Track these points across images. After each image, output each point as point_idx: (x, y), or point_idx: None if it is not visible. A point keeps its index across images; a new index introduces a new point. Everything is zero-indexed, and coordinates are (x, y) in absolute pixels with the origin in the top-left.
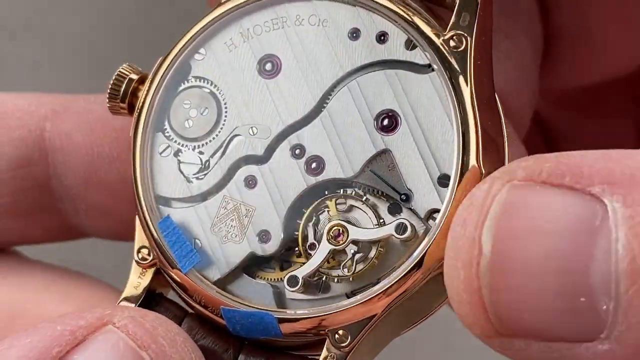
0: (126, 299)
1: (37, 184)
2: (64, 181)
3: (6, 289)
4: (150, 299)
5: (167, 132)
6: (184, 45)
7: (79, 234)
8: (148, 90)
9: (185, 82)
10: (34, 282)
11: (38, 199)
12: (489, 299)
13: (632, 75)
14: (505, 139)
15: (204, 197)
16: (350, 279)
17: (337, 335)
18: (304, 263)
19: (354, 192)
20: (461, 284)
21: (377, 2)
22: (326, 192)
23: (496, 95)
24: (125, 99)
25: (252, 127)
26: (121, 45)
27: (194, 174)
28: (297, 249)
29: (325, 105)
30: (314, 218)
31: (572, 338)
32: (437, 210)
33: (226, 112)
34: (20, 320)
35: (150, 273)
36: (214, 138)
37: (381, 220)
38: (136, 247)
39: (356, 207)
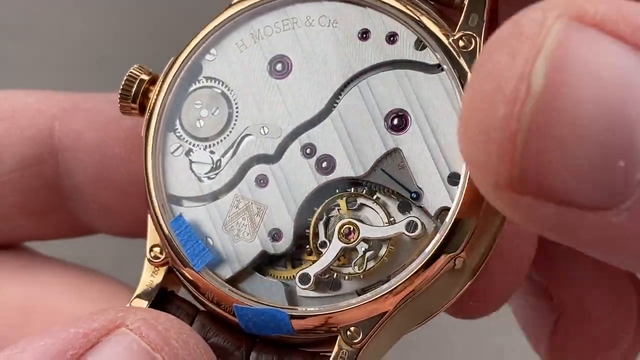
0: (139, 297)
1: (47, 182)
2: (74, 180)
3: (20, 285)
4: (162, 297)
5: (179, 132)
6: (195, 46)
7: (89, 232)
8: (159, 91)
9: (197, 82)
10: (47, 278)
11: (48, 197)
12: (522, 146)
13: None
14: None
15: (215, 196)
16: (361, 276)
17: (349, 332)
18: (315, 261)
19: (364, 191)
20: (497, 120)
21: (386, 3)
22: (337, 191)
23: None
24: (136, 100)
25: (263, 127)
26: (121, 45)
27: (205, 174)
28: (308, 247)
29: (335, 105)
30: (325, 216)
31: (588, 204)
32: (447, 209)
33: (237, 112)
34: (35, 315)
35: (162, 271)
36: (225, 138)
37: (391, 219)
38: (148, 246)
39: (367, 205)
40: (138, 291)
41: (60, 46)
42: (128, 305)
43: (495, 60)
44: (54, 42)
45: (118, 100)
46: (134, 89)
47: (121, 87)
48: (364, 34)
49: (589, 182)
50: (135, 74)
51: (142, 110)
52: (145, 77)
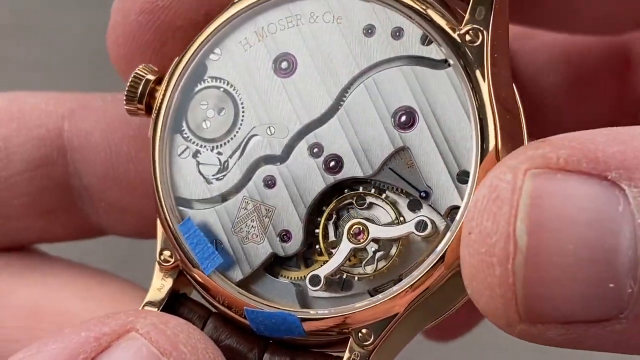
0: (150, 301)
1: (56, 183)
2: (83, 179)
3: (30, 287)
4: (174, 300)
5: (185, 134)
6: (199, 46)
7: (98, 232)
8: (165, 92)
9: (202, 82)
10: (56, 279)
11: (57, 198)
12: (522, 292)
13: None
14: (525, 133)
15: (223, 198)
16: (372, 276)
17: (360, 334)
18: (325, 262)
19: (373, 190)
20: (496, 279)
21: None
22: (345, 191)
23: (514, 88)
24: (142, 100)
25: (269, 127)
26: None
27: (213, 175)
28: (318, 247)
29: (342, 103)
30: (334, 217)
31: (591, 319)
32: (457, 207)
33: (243, 112)
34: (44, 317)
35: (173, 275)
36: (232, 138)
37: (401, 218)
38: (158, 249)
39: (376, 204)
40: (149, 296)
41: (60, 46)
42: (140, 308)
43: (482, 225)
44: (54, 42)
45: (124, 102)
46: (140, 90)
47: (127, 87)
48: (369, 30)
49: (588, 305)
50: (140, 74)
51: (148, 110)
52: (151, 77)
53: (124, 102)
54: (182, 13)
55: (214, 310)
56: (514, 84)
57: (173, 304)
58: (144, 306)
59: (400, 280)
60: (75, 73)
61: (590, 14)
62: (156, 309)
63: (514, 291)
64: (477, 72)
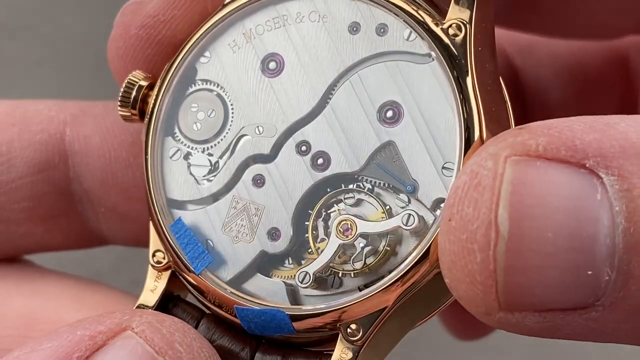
0: (143, 302)
1: (57, 187)
2: (83, 184)
3: (24, 297)
4: (167, 302)
5: (177, 136)
6: (189, 49)
7: (98, 241)
8: (157, 96)
9: (192, 85)
10: (49, 290)
11: (58, 203)
12: (502, 279)
13: (616, 48)
14: (513, 124)
15: (214, 198)
16: (362, 272)
17: (349, 330)
18: (314, 259)
19: (360, 186)
20: (477, 266)
21: None
22: (333, 187)
23: (501, 81)
24: (135, 106)
25: (258, 127)
26: None
27: (203, 176)
28: (308, 245)
29: (328, 100)
30: (323, 213)
31: (568, 307)
32: (443, 199)
33: (232, 112)
34: (37, 327)
35: (166, 276)
36: (222, 139)
37: (389, 213)
38: (151, 251)
39: (364, 200)
40: (142, 297)
41: (60, 46)
42: (134, 307)
43: (462, 212)
44: (54, 42)
45: (118, 108)
46: (133, 95)
47: (120, 93)
48: (354, 28)
49: (565, 292)
50: (134, 80)
51: (141, 115)
52: (144, 83)
53: (118, 108)
54: (182, 28)
55: (207, 311)
56: (500, 78)
57: (166, 305)
58: (137, 307)
59: (390, 274)
60: (75, 73)
61: (586, 18)
62: (150, 309)
63: (495, 278)
64: (461, 66)
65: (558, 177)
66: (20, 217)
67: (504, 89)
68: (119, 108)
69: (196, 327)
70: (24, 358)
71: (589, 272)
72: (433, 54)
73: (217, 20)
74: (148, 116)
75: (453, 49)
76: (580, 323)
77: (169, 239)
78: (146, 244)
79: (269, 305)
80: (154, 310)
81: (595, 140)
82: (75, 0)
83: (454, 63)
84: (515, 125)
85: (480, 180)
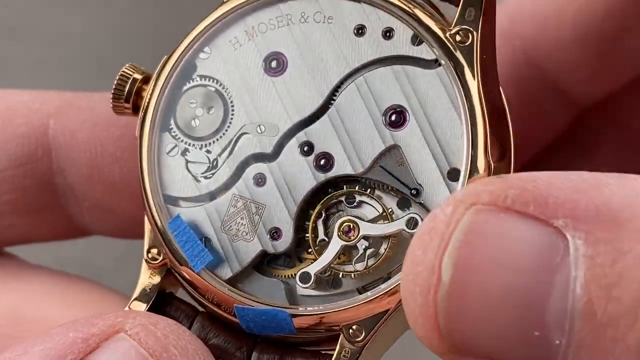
0: (137, 299)
1: (41, 181)
2: (68, 178)
3: (9, 293)
4: (160, 299)
5: (174, 132)
6: (188, 44)
7: (83, 232)
8: (153, 90)
9: (191, 81)
10: (35, 286)
11: (41, 196)
12: (444, 324)
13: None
14: (511, 132)
15: (213, 196)
16: (361, 274)
17: (351, 330)
18: (314, 259)
19: (363, 188)
20: (417, 308)
21: None
22: (336, 189)
23: (500, 88)
24: (129, 99)
25: (259, 125)
26: (121, 45)
27: (202, 173)
28: (308, 245)
29: (332, 102)
30: (324, 214)
31: None
32: None
33: (233, 110)
34: (23, 324)
35: (160, 273)
36: (221, 137)
37: (392, 215)
38: (146, 247)
39: (366, 202)
40: (136, 293)
41: (60, 46)
42: (127, 308)
43: (412, 255)
44: (54, 42)
45: (110, 100)
46: (126, 88)
47: (113, 86)
48: (360, 30)
49: (512, 348)
50: (127, 73)
51: (135, 109)
52: (138, 76)
53: (111, 101)
54: None
55: (201, 309)
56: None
57: (160, 302)
58: (131, 304)
59: (389, 277)
60: (75, 73)
61: None
62: (143, 305)
63: (437, 322)
64: (467, 72)
65: (519, 231)
66: (3, 210)
67: (503, 96)
68: (111, 100)
69: (190, 326)
70: None
71: (536, 333)
72: (440, 60)
73: (218, 17)
74: (143, 110)
75: (460, 56)
76: None
77: (166, 235)
78: (132, 237)
79: (269, 305)
80: (149, 307)
81: (570, 200)
82: (75, 0)
83: (461, 70)
84: (514, 133)
85: (435, 225)
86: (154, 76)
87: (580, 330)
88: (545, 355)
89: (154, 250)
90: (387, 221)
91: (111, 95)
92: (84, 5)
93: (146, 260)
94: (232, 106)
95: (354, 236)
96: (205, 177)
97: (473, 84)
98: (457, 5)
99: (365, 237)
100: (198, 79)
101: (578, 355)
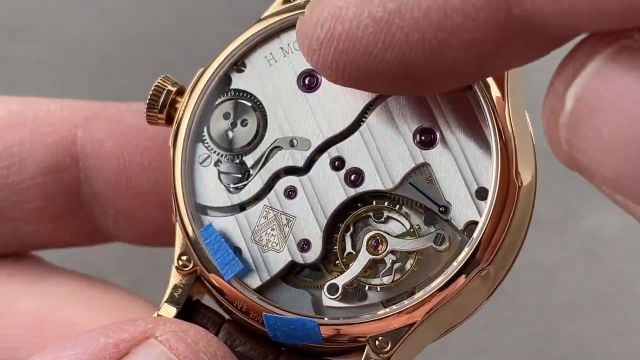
0: (167, 304)
1: (68, 189)
2: (94, 187)
3: (34, 295)
4: (188, 306)
5: (207, 143)
6: (224, 59)
7: (105, 239)
8: (188, 102)
9: (226, 94)
10: (60, 289)
11: (68, 203)
12: (566, 147)
13: None
14: (535, 156)
15: (244, 206)
16: (387, 287)
17: (377, 342)
18: (341, 272)
19: (392, 204)
20: (545, 125)
21: None
22: (365, 203)
23: (526, 113)
24: (163, 110)
25: (292, 139)
26: (121, 45)
27: (234, 184)
28: (335, 258)
29: (364, 119)
30: (353, 228)
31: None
32: (475, 223)
33: (266, 124)
34: (48, 326)
35: (189, 280)
36: (254, 149)
37: (418, 232)
38: (176, 254)
39: (393, 218)
40: (165, 299)
41: (60, 46)
42: (155, 314)
43: (553, 85)
44: (54, 42)
45: (145, 110)
46: (161, 99)
47: (149, 97)
48: None
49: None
50: (162, 85)
51: (168, 120)
52: (172, 88)
53: (145, 110)
54: None
55: (227, 317)
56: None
57: (187, 309)
58: (161, 306)
59: (414, 292)
60: (75, 73)
61: None
62: (173, 311)
63: (560, 141)
64: (496, 93)
65: None
66: (30, 216)
67: (528, 121)
68: (146, 110)
69: (217, 334)
70: None
71: None
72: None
73: (254, 33)
74: (178, 121)
75: (492, 79)
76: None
77: (196, 243)
78: (154, 244)
79: (297, 314)
80: (177, 314)
81: None
82: (75, 0)
83: (491, 93)
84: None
85: (577, 53)
86: (189, 88)
87: None
88: None
89: (184, 257)
90: (414, 237)
91: (145, 105)
92: (84, 5)
93: (176, 267)
94: (266, 120)
95: (382, 250)
96: (237, 188)
97: (505, 107)
98: None
99: (393, 252)
100: (233, 92)
101: None
